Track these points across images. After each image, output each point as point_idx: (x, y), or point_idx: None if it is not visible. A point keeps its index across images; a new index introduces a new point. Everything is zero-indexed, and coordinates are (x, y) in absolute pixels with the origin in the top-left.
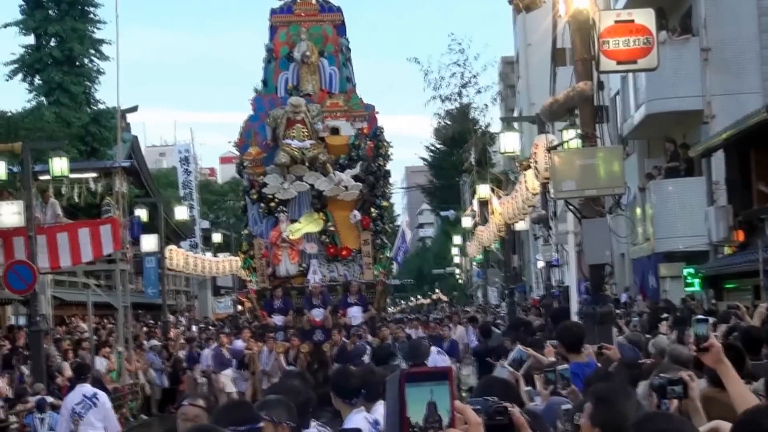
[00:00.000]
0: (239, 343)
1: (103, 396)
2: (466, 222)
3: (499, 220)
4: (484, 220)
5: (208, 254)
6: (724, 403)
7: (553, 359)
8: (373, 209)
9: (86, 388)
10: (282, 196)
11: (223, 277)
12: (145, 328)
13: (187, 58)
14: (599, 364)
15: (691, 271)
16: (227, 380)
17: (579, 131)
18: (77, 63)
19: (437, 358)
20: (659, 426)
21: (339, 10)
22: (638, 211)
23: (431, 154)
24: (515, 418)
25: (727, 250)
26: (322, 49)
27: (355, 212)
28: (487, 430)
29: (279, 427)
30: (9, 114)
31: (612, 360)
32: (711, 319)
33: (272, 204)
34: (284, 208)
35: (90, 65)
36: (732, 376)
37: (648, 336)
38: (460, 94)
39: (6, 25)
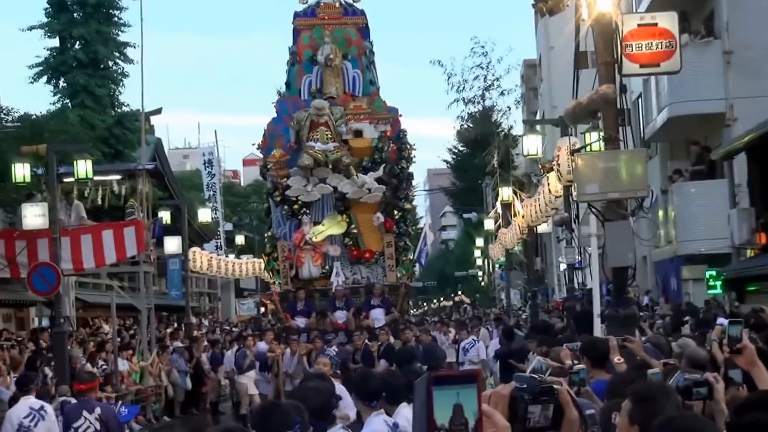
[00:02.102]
0: (262, 346)
1: (49, 408)
2: (489, 224)
3: (521, 222)
4: (507, 223)
5: (232, 256)
6: None
7: (569, 362)
8: (396, 212)
9: (32, 401)
10: (305, 199)
11: (246, 279)
12: (169, 329)
13: (211, 61)
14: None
15: (714, 273)
16: (250, 382)
17: (602, 134)
18: (102, 66)
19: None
20: (684, 426)
21: (362, 13)
22: (660, 213)
23: (454, 156)
24: (562, 397)
25: (749, 253)
26: (346, 52)
27: (378, 215)
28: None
29: None
30: (34, 116)
31: (635, 354)
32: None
33: (295, 206)
34: (307, 211)
35: (114, 68)
36: (765, 378)
37: (670, 338)
38: (483, 96)
39: (31, 28)
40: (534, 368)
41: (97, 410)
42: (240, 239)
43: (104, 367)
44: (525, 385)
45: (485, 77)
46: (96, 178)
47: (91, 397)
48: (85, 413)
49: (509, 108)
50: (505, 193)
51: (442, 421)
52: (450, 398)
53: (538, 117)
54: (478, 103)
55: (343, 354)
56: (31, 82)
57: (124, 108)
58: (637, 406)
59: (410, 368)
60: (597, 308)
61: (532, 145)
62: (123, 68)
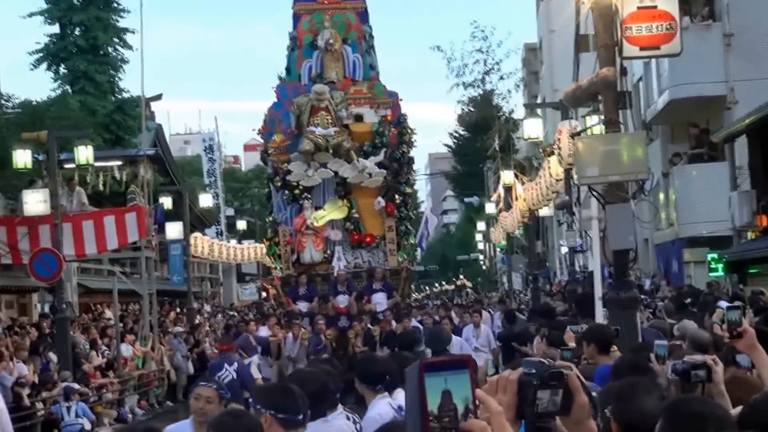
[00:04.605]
0: (264, 331)
1: None
2: (490, 208)
3: (522, 206)
4: (508, 206)
5: (233, 241)
6: (753, 386)
7: (573, 345)
8: (397, 196)
9: None
10: (306, 183)
11: (247, 264)
12: (173, 314)
13: (210, 47)
14: None
15: (715, 256)
16: (252, 366)
17: (602, 117)
18: (102, 52)
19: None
20: (693, 409)
21: None
22: (661, 196)
23: (455, 140)
24: (571, 382)
25: (750, 235)
26: (346, 36)
27: (379, 199)
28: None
29: (261, 416)
30: (34, 103)
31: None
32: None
33: (296, 191)
34: (308, 195)
35: (114, 54)
36: (765, 361)
37: (671, 321)
38: (483, 80)
39: (31, 15)
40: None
41: (235, 364)
42: (241, 224)
43: (107, 352)
44: (533, 370)
45: (485, 61)
46: (97, 164)
47: (230, 355)
48: (226, 365)
49: (510, 92)
50: (507, 176)
51: (432, 408)
52: (438, 385)
53: (538, 100)
54: (478, 87)
55: (314, 341)
56: (32, 69)
57: (124, 94)
58: (615, 405)
59: (411, 352)
60: (598, 291)
61: (532, 128)
62: (123, 54)
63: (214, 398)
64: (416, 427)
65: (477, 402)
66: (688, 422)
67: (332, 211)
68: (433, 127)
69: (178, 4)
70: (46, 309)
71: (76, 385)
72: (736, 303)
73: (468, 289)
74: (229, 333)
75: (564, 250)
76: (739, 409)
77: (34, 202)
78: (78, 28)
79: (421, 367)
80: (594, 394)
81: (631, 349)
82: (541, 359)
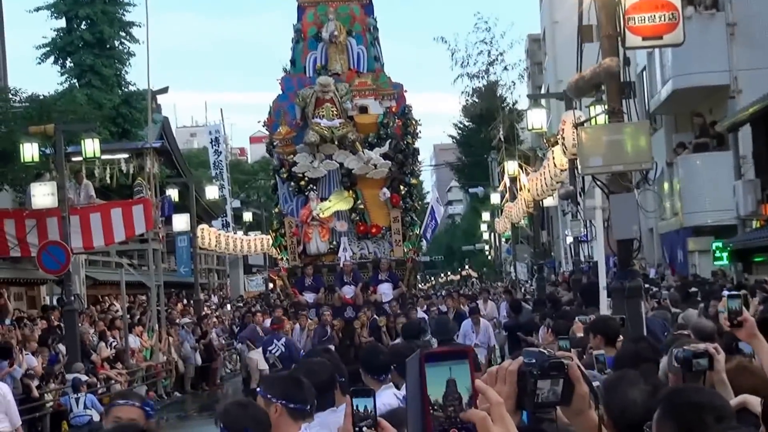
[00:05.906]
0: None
1: (5, 387)
2: (495, 198)
3: (527, 196)
4: (513, 197)
5: (240, 233)
6: (756, 374)
7: (581, 335)
8: (402, 187)
9: None
10: (312, 175)
11: (254, 256)
12: (180, 305)
13: (216, 40)
14: None
15: (720, 245)
16: (260, 357)
17: (606, 107)
18: (108, 45)
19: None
20: (691, 398)
21: None
22: (666, 185)
23: (459, 131)
24: (572, 372)
25: (755, 224)
26: (350, 28)
27: (385, 190)
28: (537, 383)
29: (271, 405)
30: (41, 97)
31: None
32: (744, 292)
33: (302, 182)
34: (314, 187)
35: (120, 48)
36: (766, 350)
37: (676, 310)
38: (487, 71)
39: (38, 9)
40: None
41: (283, 339)
42: (248, 216)
43: (115, 344)
44: (533, 360)
45: (489, 52)
46: (104, 156)
47: (279, 332)
48: (275, 341)
49: (514, 82)
50: (511, 167)
51: (436, 397)
52: (443, 374)
53: (542, 91)
54: (482, 78)
55: (320, 332)
56: (39, 63)
57: (130, 87)
58: (603, 398)
59: (416, 342)
60: (603, 281)
61: (536, 118)
62: (129, 48)
63: (139, 419)
64: (417, 417)
65: (476, 392)
66: (687, 412)
67: (338, 203)
68: (438, 118)
69: None
70: (55, 301)
71: (84, 377)
72: (736, 291)
73: (473, 279)
74: (242, 323)
75: (569, 239)
76: (738, 399)
77: (42, 195)
78: (84, 22)
79: (421, 357)
80: (597, 384)
81: (631, 339)
82: (542, 349)
